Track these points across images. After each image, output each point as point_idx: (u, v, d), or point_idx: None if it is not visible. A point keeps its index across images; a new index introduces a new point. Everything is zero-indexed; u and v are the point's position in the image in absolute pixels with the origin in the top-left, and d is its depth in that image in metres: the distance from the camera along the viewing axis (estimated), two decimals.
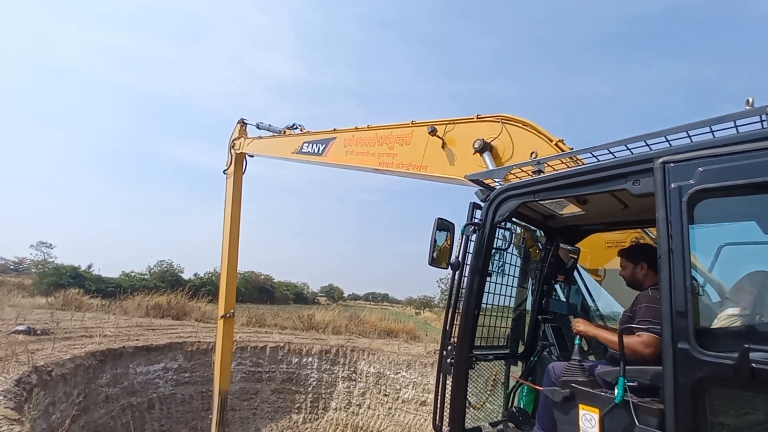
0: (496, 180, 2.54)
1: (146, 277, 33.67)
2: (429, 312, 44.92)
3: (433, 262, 2.31)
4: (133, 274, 33.61)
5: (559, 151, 3.15)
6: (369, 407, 11.10)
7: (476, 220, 2.37)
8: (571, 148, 3.15)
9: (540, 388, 2.19)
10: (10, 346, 7.03)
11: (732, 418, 1.37)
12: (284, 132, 7.24)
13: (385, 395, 11.04)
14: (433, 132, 4.01)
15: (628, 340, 1.92)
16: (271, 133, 7.67)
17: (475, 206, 2.41)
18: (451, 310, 2.37)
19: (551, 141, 3.31)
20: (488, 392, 2.70)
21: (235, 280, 8.34)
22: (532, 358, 2.79)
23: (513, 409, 2.61)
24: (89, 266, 32.17)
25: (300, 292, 60.32)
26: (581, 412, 1.81)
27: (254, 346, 11.86)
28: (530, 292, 3.01)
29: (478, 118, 3.82)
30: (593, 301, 3.19)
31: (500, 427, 2.46)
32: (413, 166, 4.37)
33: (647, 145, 1.75)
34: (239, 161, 8.29)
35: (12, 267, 37.47)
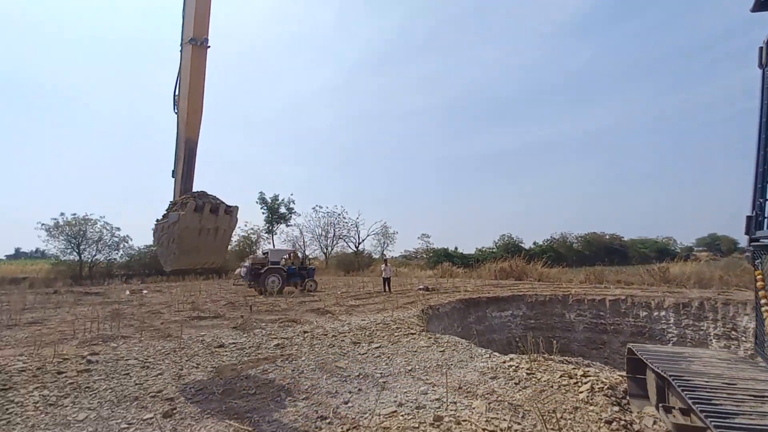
0: None
1: (494, 250, 40.54)
2: None
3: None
4: (484, 249, 42.19)
5: None
6: None
7: None
8: None
9: None
10: (417, 296, 11.53)
11: None
12: None
13: None
14: None
15: None
16: None
17: None
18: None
19: None
20: None
21: None
22: None
23: None
24: (455, 248, 42.96)
25: (664, 247, 51.17)
26: None
27: (591, 299, 12.07)
28: None
29: None
30: None
31: None
32: None
33: None
34: None
35: (412, 256, 55.25)
